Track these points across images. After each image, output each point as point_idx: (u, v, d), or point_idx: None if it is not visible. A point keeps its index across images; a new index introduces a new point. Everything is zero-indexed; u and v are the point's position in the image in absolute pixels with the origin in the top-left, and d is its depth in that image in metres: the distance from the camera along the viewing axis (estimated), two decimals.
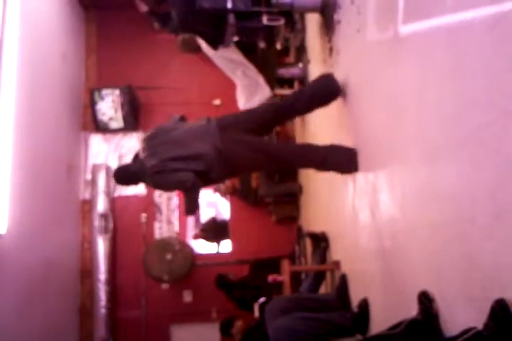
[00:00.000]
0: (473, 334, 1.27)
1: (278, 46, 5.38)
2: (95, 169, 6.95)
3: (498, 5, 1.17)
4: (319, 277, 3.94)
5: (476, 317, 1.30)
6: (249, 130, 2.84)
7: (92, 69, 7.46)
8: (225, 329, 5.13)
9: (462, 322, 1.41)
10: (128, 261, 6.78)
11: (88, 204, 6.93)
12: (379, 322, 2.36)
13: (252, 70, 5.75)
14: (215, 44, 4.23)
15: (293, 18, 4.47)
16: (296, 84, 5.64)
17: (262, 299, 4.05)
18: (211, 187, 6.52)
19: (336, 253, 3.71)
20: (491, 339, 1.21)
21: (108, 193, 6.87)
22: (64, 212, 6.47)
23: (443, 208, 1.54)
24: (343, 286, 3.09)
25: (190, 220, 7.78)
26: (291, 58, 6.12)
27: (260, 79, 5.76)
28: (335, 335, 2.65)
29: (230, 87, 6.24)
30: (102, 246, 6.64)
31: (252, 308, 4.37)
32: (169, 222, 7.12)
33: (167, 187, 2.83)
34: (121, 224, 6.94)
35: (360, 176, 2.70)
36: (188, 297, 6.83)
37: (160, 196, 7.12)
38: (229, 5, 3.72)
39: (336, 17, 3.28)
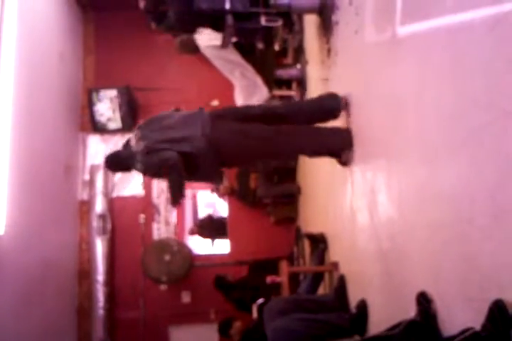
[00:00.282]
0: (471, 335, 1.27)
1: (276, 47, 5.38)
2: (93, 170, 6.94)
3: (498, 5, 1.18)
4: (318, 278, 3.94)
5: (474, 318, 1.30)
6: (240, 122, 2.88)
7: (90, 69, 7.44)
8: (224, 330, 5.11)
9: (460, 322, 1.41)
10: (126, 261, 6.76)
11: (86, 205, 6.91)
12: (377, 323, 2.36)
13: (250, 71, 5.75)
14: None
15: (291, 19, 4.48)
16: (294, 85, 5.64)
17: (261, 300, 4.04)
18: (204, 183, 5.94)
19: (334, 254, 3.71)
20: (489, 339, 1.21)
21: (106, 194, 6.86)
22: (62, 213, 6.45)
23: (442, 209, 1.54)
24: (341, 287, 3.09)
25: (188, 221, 7.78)
26: (289, 59, 6.12)
27: (258, 80, 5.76)
28: (333, 336, 2.65)
29: (228, 87, 6.24)
30: (100, 246, 6.63)
31: (250, 309, 4.36)
32: (167, 223, 7.10)
33: (152, 169, 2.84)
34: (120, 224, 6.92)
35: (358, 177, 2.70)
36: (186, 298, 6.82)
37: (158, 197, 7.11)
38: (227, 6, 3.72)
39: (334, 18, 3.28)
